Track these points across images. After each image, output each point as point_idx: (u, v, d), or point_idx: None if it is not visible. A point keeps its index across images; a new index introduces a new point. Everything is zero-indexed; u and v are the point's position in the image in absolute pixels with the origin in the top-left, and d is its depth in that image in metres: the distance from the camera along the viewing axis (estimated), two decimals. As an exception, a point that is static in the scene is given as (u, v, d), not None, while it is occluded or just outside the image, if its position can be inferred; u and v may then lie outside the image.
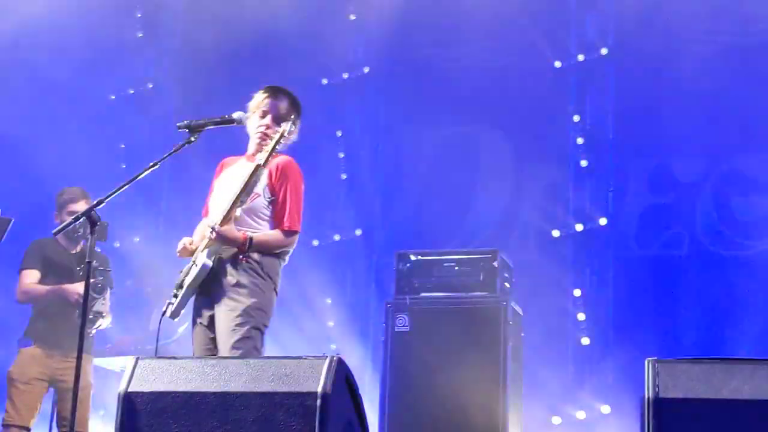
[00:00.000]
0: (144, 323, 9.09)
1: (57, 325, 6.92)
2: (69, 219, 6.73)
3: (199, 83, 10.14)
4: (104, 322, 7.03)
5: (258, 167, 5.30)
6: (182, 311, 5.46)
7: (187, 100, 9.98)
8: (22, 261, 7.01)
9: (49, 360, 6.91)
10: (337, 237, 10.02)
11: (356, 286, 9.86)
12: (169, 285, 8.88)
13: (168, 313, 5.43)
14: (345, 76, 10.17)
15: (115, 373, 8.48)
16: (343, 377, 3.96)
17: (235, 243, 5.30)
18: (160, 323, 5.41)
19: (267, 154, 5.31)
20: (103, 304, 6.94)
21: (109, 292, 6.97)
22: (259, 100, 5.58)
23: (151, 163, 5.17)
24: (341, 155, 10.10)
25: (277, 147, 5.36)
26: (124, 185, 5.10)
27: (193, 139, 5.31)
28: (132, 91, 10.82)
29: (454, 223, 9.29)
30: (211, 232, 5.28)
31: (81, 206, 6.86)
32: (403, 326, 7.62)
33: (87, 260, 4.97)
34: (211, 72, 10.18)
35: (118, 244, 9.76)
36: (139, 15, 10.96)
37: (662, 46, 9.06)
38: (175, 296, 5.41)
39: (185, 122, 5.33)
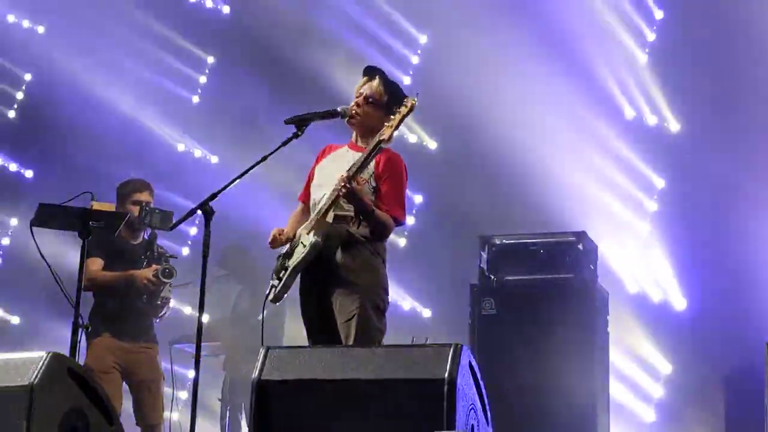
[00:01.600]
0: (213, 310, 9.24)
1: (124, 313, 6.89)
2: (133, 209, 6.92)
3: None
4: (168, 311, 7.06)
5: (381, 141, 5.33)
6: (285, 295, 5.50)
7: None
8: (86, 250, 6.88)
9: (120, 348, 6.88)
10: (411, 220, 10.13)
11: (434, 269, 9.96)
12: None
13: (271, 297, 5.46)
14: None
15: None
16: (467, 363, 4.08)
17: (362, 204, 5.26)
18: (264, 308, 5.46)
19: (392, 130, 5.32)
20: (170, 290, 6.95)
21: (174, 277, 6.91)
22: (357, 85, 5.65)
23: (261, 157, 5.31)
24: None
25: (400, 123, 5.31)
26: (236, 179, 5.25)
27: (299, 132, 5.42)
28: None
29: (532, 204, 9.35)
30: (343, 186, 5.24)
31: (145, 196, 6.94)
32: (490, 310, 7.72)
33: (203, 252, 5.05)
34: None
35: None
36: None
37: None
38: (279, 280, 5.43)
39: (291, 117, 5.45)
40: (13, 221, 10.69)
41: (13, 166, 10.84)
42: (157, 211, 6.71)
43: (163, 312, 7.00)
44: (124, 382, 6.94)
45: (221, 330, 9.23)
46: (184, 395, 9.37)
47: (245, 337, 8.86)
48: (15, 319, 10.58)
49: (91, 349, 6.82)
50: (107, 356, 6.81)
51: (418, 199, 10.20)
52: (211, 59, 10.98)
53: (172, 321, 7.63)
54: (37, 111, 10.68)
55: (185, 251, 10.25)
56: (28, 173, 10.83)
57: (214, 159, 10.80)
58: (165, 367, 7.17)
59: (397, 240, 10.00)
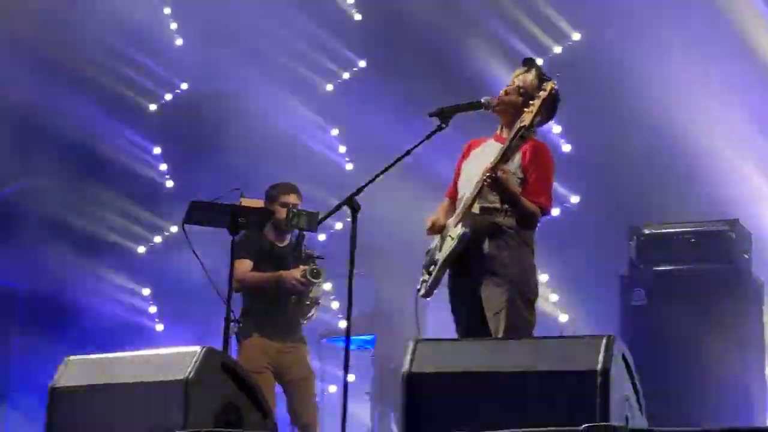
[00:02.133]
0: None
1: (273, 314, 6.93)
2: (281, 211, 6.93)
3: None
4: (316, 312, 7.10)
5: (521, 128, 5.28)
6: (435, 290, 5.50)
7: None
8: (234, 252, 6.78)
9: (271, 348, 6.92)
10: (556, 212, 9.99)
11: (579, 259, 9.82)
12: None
13: (422, 292, 5.47)
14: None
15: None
16: (620, 354, 4.01)
17: (507, 193, 5.23)
18: (416, 303, 5.47)
19: (532, 115, 5.28)
20: (319, 290, 6.99)
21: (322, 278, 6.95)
22: (513, 75, 5.60)
23: (405, 151, 5.32)
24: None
25: (539, 111, 5.25)
26: (380, 173, 5.27)
27: (443, 125, 5.41)
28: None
29: (684, 193, 9.14)
30: (488, 177, 5.20)
31: (293, 198, 6.96)
32: (640, 300, 7.60)
33: (351, 247, 5.09)
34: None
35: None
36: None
37: None
38: (429, 274, 5.43)
39: (435, 109, 5.44)
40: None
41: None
42: (303, 212, 6.74)
43: (311, 313, 7.06)
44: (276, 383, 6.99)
45: (368, 325, 9.28)
46: (333, 389, 9.46)
47: (392, 331, 8.90)
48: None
49: (242, 350, 6.90)
50: (259, 356, 6.85)
51: (574, 199, 10.01)
52: (362, 63, 11.05)
53: (320, 315, 7.69)
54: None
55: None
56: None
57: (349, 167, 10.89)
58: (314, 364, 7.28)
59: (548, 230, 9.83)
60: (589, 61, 9.60)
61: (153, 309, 11.17)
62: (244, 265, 6.90)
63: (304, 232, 6.95)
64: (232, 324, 6.33)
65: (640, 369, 7.32)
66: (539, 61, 6.07)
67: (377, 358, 9.29)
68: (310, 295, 6.93)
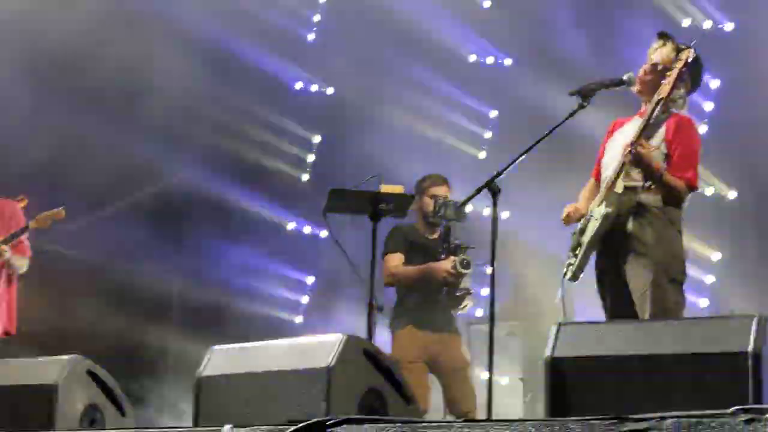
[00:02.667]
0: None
1: (427, 305, 6.98)
2: (429, 202, 6.96)
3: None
4: (470, 302, 7.08)
5: (660, 101, 5.17)
6: (581, 273, 5.43)
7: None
8: (386, 245, 7.02)
9: (424, 339, 6.96)
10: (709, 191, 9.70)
11: (743, 244, 9.51)
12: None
13: (568, 275, 5.40)
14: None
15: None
16: (770, 335, 3.87)
17: (649, 169, 5.16)
18: (563, 286, 5.41)
19: (669, 86, 5.15)
20: (470, 281, 6.98)
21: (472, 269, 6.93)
22: (649, 50, 5.48)
23: (546, 131, 5.25)
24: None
25: (678, 80, 5.15)
26: (522, 154, 5.21)
27: (585, 104, 5.32)
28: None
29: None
30: (629, 152, 5.14)
31: (442, 191, 6.98)
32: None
33: (492, 229, 5.06)
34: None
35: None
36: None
37: None
38: (575, 257, 5.36)
39: (575, 88, 5.35)
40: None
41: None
42: (451, 203, 6.75)
43: (464, 303, 7.04)
44: (430, 374, 7.04)
45: (512, 311, 9.20)
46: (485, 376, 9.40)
47: (537, 317, 8.81)
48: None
49: (395, 341, 7.00)
50: (411, 348, 6.91)
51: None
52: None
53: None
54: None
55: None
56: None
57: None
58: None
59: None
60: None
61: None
62: (395, 259, 7.00)
63: (453, 223, 6.94)
64: (382, 315, 6.40)
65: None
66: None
67: (522, 343, 9.21)
68: (461, 285, 6.91)
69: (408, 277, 6.98)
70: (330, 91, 11.31)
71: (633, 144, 5.10)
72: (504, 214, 10.10)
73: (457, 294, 6.95)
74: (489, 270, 6.80)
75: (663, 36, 5.45)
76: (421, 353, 6.92)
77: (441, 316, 7.03)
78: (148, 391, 10.22)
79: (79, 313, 10.09)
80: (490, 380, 5.21)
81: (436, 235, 7.10)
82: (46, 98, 9.86)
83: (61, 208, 8.26)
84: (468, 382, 7.08)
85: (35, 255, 8.27)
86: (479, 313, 8.91)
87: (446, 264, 6.84)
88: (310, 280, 11.20)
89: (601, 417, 3.04)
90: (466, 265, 6.83)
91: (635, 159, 5.11)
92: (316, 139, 11.39)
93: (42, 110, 9.86)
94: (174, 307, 11.02)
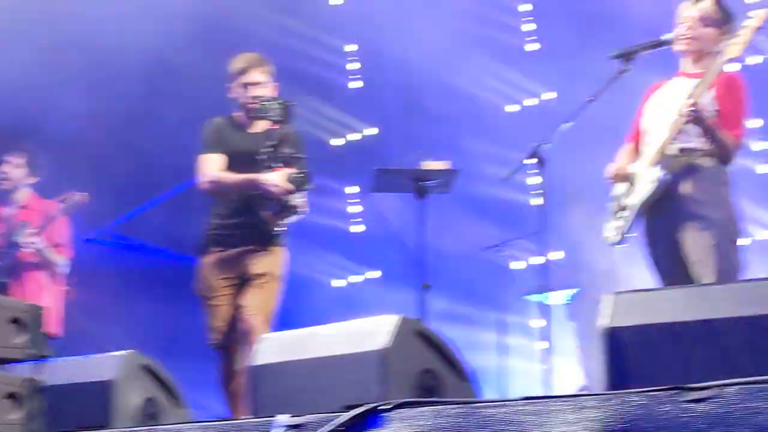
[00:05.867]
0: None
1: (243, 222, 6.23)
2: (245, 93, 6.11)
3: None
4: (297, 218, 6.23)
5: (727, 61, 5.06)
6: (628, 236, 5.35)
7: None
8: (202, 145, 6.29)
9: (235, 261, 6.26)
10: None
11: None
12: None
13: (613, 239, 5.33)
14: None
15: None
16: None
17: (710, 128, 5.06)
18: (612, 251, 5.32)
19: (742, 46, 5.03)
20: (302, 198, 6.14)
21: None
22: (680, 8, 5.38)
23: (588, 98, 5.17)
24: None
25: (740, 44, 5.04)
26: (566, 123, 5.13)
27: (626, 68, 5.24)
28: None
29: None
30: (691, 111, 5.03)
31: (258, 76, 6.24)
32: None
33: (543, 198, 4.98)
34: None
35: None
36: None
37: None
38: (619, 220, 5.28)
39: (617, 51, 5.27)
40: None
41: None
42: (278, 104, 6.02)
43: (289, 220, 6.26)
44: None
45: (571, 277, 9.12)
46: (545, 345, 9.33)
47: (593, 283, 8.72)
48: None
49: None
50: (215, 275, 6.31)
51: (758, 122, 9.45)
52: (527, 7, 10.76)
53: (527, 271, 7.51)
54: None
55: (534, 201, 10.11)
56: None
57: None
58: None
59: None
60: None
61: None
62: (215, 162, 6.32)
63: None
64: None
65: None
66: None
67: (580, 312, 9.12)
68: (290, 203, 6.14)
69: (233, 185, 6.19)
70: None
71: (692, 102, 5.01)
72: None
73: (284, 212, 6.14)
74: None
75: None
76: (231, 277, 6.24)
77: (259, 234, 6.23)
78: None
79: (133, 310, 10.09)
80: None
81: (260, 129, 6.31)
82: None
83: (84, 193, 8.22)
84: (269, 296, 6.18)
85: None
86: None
87: (276, 177, 6.03)
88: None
89: (661, 388, 2.96)
90: (300, 182, 6.01)
91: (697, 118, 5.03)
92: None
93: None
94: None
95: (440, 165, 6.29)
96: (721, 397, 2.85)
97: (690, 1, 5.33)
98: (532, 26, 10.66)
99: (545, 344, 9.15)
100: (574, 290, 9.17)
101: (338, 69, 11.14)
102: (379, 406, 3.29)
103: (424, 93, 10.36)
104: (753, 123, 9.28)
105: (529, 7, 10.66)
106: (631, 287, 4.18)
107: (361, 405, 3.32)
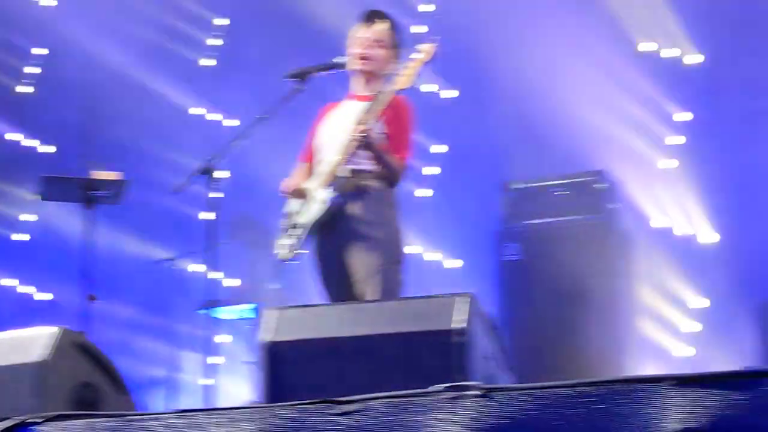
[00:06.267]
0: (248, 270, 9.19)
1: None
2: None
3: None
4: None
5: (398, 91, 5.21)
6: (298, 254, 5.39)
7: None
8: None
9: None
10: (437, 170, 9.89)
11: (459, 218, 9.78)
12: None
13: (284, 255, 5.36)
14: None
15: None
16: (478, 312, 3.98)
17: (378, 151, 5.18)
18: (276, 268, 5.37)
19: (411, 78, 5.15)
20: None
21: None
22: (354, 30, 5.49)
23: (259, 115, 5.22)
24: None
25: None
26: (235, 140, 5.17)
27: (301, 88, 5.32)
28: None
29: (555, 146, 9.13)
30: (361, 134, 5.10)
31: None
32: (514, 255, 7.63)
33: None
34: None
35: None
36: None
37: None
38: (289, 238, 5.32)
39: (291, 71, 5.34)
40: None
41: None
42: None
43: None
44: None
45: (249, 294, 9.18)
46: (220, 360, 9.33)
47: (271, 300, 8.81)
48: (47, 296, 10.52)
49: None
50: None
51: (442, 149, 9.91)
52: (224, 21, 10.79)
53: (200, 285, 7.53)
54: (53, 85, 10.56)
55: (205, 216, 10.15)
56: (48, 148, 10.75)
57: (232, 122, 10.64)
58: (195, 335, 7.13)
59: (422, 190, 9.77)
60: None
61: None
62: None
63: None
64: None
65: (513, 323, 7.45)
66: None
67: (253, 327, 9.19)
68: None
69: None
70: None
71: (363, 127, 5.13)
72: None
73: None
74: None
75: (376, 14, 5.49)
76: None
77: None
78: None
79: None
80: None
81: None
82: None
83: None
84: None
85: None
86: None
87: None
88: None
89: (311, 402, 3.03)
90: None
91: (367, 142, 5.15)
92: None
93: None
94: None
95: (111, 175, 6.18)
96: (366, 411, 2.93)
97: (363, 23, 5.47)
98: (219, 41, 10.69)
99: (218, 359, 9.20)
100: (250, 305, 9.23)
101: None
102: (29, 419, 3.20)
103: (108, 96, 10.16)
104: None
105: (226, 21, 10.69)
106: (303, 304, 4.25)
107: (10, 418, 3.22)
